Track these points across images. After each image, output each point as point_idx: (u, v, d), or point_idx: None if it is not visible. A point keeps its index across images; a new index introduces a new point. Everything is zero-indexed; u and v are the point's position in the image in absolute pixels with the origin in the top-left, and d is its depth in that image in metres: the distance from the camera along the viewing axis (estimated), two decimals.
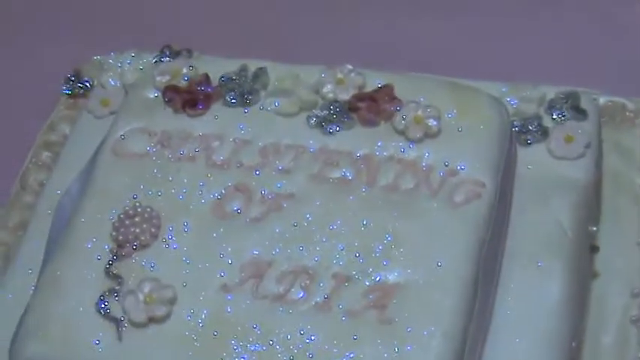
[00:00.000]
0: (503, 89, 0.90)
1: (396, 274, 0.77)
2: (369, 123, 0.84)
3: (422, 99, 0.84)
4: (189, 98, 0.87)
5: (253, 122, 0.86)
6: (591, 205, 0.87)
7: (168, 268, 0.79)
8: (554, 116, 0.89)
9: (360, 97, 0.85)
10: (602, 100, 0.97)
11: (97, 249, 0.81)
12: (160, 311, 0.77)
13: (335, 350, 0.74)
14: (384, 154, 0.83)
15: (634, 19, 1.18)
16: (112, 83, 0.99)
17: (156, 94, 0.89)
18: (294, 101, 0.86)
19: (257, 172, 0.83)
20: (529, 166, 0.87)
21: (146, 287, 0.77)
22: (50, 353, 0.77)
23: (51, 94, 1.05)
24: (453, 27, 1.20)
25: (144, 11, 1.27)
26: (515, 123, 0.88)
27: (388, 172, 0.82)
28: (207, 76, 0.88)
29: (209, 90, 0.88)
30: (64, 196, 0.89)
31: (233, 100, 0.87)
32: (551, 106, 0.89)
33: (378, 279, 0.77)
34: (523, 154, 0.87)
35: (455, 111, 0.84)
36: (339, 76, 0.87)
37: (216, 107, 0.87)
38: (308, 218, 0.80)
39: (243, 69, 0.88)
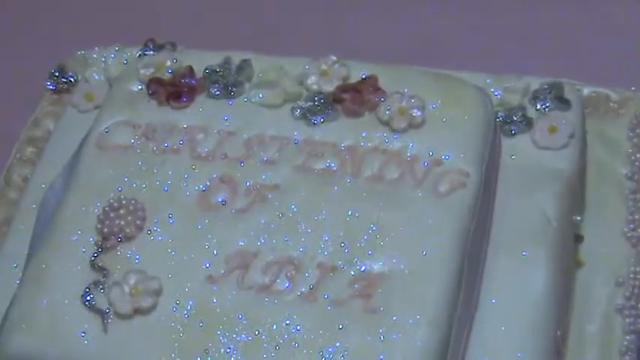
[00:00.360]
0: (488, 80, 0.91)
1: (381, 263, 0.77)
2: (354, 114, 0.85)
3: (406, 90, 0.85)
4: (174, 91, 0.88)
5: (238, 114, 0.86)
6: (575, 194, 0.88)
7: (154, 260, 0.79)
8: (538, 107, 0.90)
9: (345, 88, 0.86)
10: (586, 90, 0.98)
11: (82, 242, 0.81)
12: (146, 302, 0.77)
13: (321, 340, 0.74)
14: (369, 144, 0.83)
15: (617, 10, 1.19)
16: (96, 77, 1.00)
17: (140, 87, 0.89)
18: (278, 93, 0.86)
19: (242, 164, 0.83)
20: (513, 156, 0.87)
21: (131, 279, 0.78)
22: (36, 346, 0.77)
23: (35, 89, 1.05)
24: (437, 19, 1.20)
25: (128, 6, 1.27)
26: (499, 113, 0.89)
27: (373, 162, 0.82)
28: (191, 69, 0.89)
29: (193, 82, 0.88)
30: (48, 191, 0.89)
31: (217, 92, 0.87)
32: (535, 97, 0.90)
33: (363, 269, 0.77)
34: (507, 144, 0.88)
35: (439, 101, 0.84)
36: (324, 67, 0.87)
37: (201, 99, 0.87)
38: (293, 209, 0.80)
39: (227, 61, 0.89)
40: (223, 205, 0.82)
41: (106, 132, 0.87)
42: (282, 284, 0.77)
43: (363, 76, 0.86)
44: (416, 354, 0.73)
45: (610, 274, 0.89)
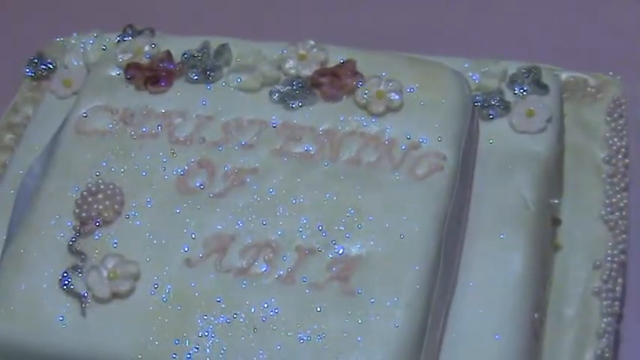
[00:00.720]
0: (465, 64, 0.91)
1: (358, 246, 0.78)
2: (332, 98, 0.85)
3: (384, 74, 0.85)
4: (152, 75, 0.88)
5: (216, 98, 0.86)
6: (553, 178, 0.89)
7: (132, 244, 0.79)
8: (516, 91, 0.90)
9: (323, 72, 0.86)
10: (564, 75, 0.99)
11: (60, 226, 0.81)
12: (124, 286, 0.77)
13: (299, 322, 0.75)
14: (347, 128, 0.83)
15: None
16: (75, 63, 1.00)
17: (118, 72, 0.89)
18: (256, 77, 0.86)
19: (220, 148, 0.84)
20: (491, 140, 0.88)
21: (109, 263, 0.78)
22: (14, 330, 0.77)
23: (14, 76, 1.05)
24: (415, 3, 1.20)
25: None
26: (477, 97, 0.89)
27: (351, 146, 0.82)
28: (169, 54, 0.89)
29: (171, 67, 0.88)
30: (26, 176, 0.89)
31: (195, 77, 0.87)
32: (512, 81, 0.91)
33: (341, 251, 0.77)
34: (485, 128, 0.88)
35: (417, 85, 0.84)
36: (302, 51, 0.87)
37: (179, 84, 0.88)
38: (271, 192, 0.81)
39: (205, 46, 0.89)
40: (201, 189, 0.82)
41: (84, 117, 0.87)
42: (260, 267, 0.78)
43: (341, 61, 0.86)
44: (393, 336, 0.74)
45: (588, 258, 0.90)
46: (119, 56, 0.90)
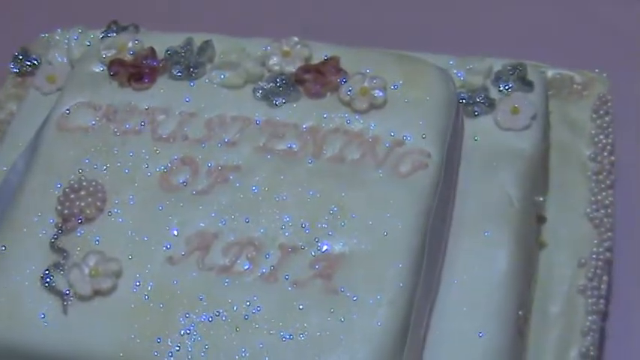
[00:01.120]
0: (451, 62, 0.91)
1: (341, 244, 0.77)
2: (315, 95, 0.85)
3: (368, 70, 0.85)
4: (135, 72, 0.87)
5: (199, 95, 0.86)
6: (538, 175, 0.88)
7: (114, 242, 0.79)
8: (501, 88, 0.90)
9: (306, 69, 0.86)
10: (550, 72, 0.98)
11: (42, 223, 0.81)
12: (106, 284, 0.77)
13: (281, 320, 0.74)
14: (330, 125, 0.83)
15: None
16: (59, 60, 0.99)
17: (101, 69, 0.89)
18: (240, 74, 0.86)
19: (203, 145, 0.83)
20: (476, 138, 0.88)
21: (91, 260, 0.78)
22: None
23: None
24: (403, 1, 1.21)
25: None
26: (462, 94, 0.89)
27: (334, 143, 0.82)
28: (152, 50, 0.89)
29: (155, 64, 0.88)
30: (9, 172, 0.89)
31: (179, 74, 0.87)
32: (497, 78, 0.90)
33: (324, 249, 0.77)
34: (470, 125, 0.88)
35: (401, 82, 0.84)
36: (285, 48, 0.87)
37: (162, 81, 0.87)
38: (254, 190, 0.80)
39: (189, 42, 0.89)
40: (184, 186, 0.81)
41: (67, 113, 0.87)
42: (243, 265, 0.77)
43: (325, 57, 0.86)
44: (376, 334, 0.74)
45: (573, 255, 0.89)
46: (103, 52, 0.90)
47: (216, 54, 0.88)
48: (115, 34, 0.94)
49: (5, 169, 0.91)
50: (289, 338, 0.74)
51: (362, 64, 0.85)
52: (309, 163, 0.81)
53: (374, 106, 0.83)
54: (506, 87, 0.90)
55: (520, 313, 0.82)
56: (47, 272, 0.78)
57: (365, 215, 0.78)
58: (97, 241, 0.79)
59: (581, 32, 1.16)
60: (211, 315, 0.75)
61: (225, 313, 0.75)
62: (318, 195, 0.80)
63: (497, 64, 0.91)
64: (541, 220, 0.90)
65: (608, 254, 0.89)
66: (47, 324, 0.76)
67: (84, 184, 0.81)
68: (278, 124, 0.84)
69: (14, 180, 0.87)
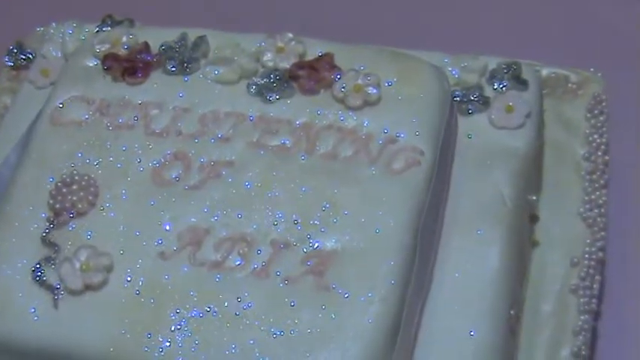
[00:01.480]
0: (445, 59, 0.90)
1: (333, 240, 0.77)
2: (309, 91, 0.84)
3: (362, 67, 0.84)
4: (129, 66, 0.87)
5: (193, 90, 0.86)
6: (531, 174, 0.88)
7: (106, 236, 0.79)
8: (496, 86, 0.89)
9: (301, 65, 0.85)
10: (545, 71, 0.98)
11: (33, 217, 0.81)
12: (97, 278, 0.77)
13: (272, 317, 0.74)
14: (324, 122, 0.83)
15: None
16: (54, 54, 0.99)
17: (95, 63, 0.89)
18: (234, 69, 0.86)
19: (196, 140, 0.83)
20: (470, 136, 0.87)
21: (82, 255, 0.77)
22: None
23: None
24: None
25: None
26: (456, 92, 0.89)
27: (327, 140, 0.82)
28: (147, 45, 0.88)
29: (149, 58, 0.88)
30: (1, 166, 0.88)
31: (173, 69, 0.87)
32: (492, 77, 0.90)
33: (316, 246, 0.77)
34: (464, 123, 0.88)
35: (395, 79, 0.84)
36: (280, 44, 0.87)
37: (156, 75, 0.87)
38: (247, 186, 0.80)
39: (183, 37, 0.88)
40: (177, 181, 0.81)
41: (60, 107, 0.86)
42: (235, 261, 0.77)
43: (320, 54, 0.86)
44: (367, 331, 0.73)
45: (565, 255, 0.89)
46: (97, 47, 0.89)
47: (211, 49, 0.88)
48: (109, 29, 0.94)
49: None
50: (280, 334, 0.74)
51: (356, 60, 0.85)
52: (302, 159, 0.81)
53: (367, 103, 0.83)
54: (501, 85, 0.89)
55: (512, 312, 0.82)
56: (38, 266, 0.78)
57: (357, 212, 0.78)
58: (89, 235, 0.79)
59: (576, 31, 1.16)
60: (202, 311, 0.75)
61: (216, 309, 0.75)
62: (311, 191, 0.79)
63: (492, 63, 0.90)
64: (534, 219, 0.89)
65: (600, 254, 0.89)
66: (38, 318, 0.76)
67: (76, 178, 0.81)
68: (271, 120, 0.83)
69: (6, 173, 0.86)
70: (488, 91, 0.89)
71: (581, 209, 0.91)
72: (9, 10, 1.24)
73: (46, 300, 0.77)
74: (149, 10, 1.08)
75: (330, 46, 0.86)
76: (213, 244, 0.78)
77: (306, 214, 0.78)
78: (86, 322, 0.76)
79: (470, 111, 0.88)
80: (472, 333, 0.79)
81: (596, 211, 0.91)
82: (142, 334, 0.74)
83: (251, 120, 0.84)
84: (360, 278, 0.75)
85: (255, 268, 0.77)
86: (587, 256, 0.89)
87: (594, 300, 0.87)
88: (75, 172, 0.82)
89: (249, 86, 0.85)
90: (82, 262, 0.77)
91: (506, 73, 0.90)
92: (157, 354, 0.74)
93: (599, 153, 0.94)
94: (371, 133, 0.82)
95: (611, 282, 0.97)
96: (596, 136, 0.94)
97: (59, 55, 0.98)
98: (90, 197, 0.80)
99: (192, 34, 0.89)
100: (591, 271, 0.88)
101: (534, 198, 0.89)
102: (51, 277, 0.77)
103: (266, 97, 0.84)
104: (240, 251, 0.77)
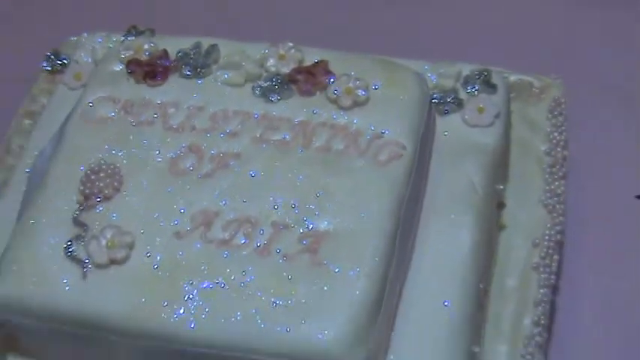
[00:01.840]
0: (425, 66, 0.90)
1: (326, 222, 0.77)
2: (306, 93, 0.84)
3: (352, 72, 0.84)
4: (150, 70, 0.87)
5: (205, 92, 0.86)
6: (499, 166, 0.88)
7: (128, 218, 0.79)
8: (469, 90, 0.89)
9: (299, 70, 0.85)
10: (512, 77, 0.97)
11: (66, 201, 0.81)
12: (120, 254, 0.77)
13: (272, 288, 0.74)
14: (319, 120, 0.83)
15: (544, 6, 1.20)
16: (85, 59, 0.99)
17: (121, 67, 0.89)
18: (241, 74, 0.86)
19: (208, 135, 0.83)
20: (446, 133, 0.87)
21: (108, 233, 0.78)
22: (25, 292, 0.77)
23: (33, 70, 1.04)
24: (381, 10, 1.21)
25: None
26: (434, 95, 0.88)
27: (322, 135, 0.82)
28: (165, 52, 0.88)
29: (167, 64, 0.88)
30: (38, 157, 0.89)
31: (188, 73, 0.87)
32: (466, 82, 0.90)
33: (311, 227, 0.77)
34: (441, 122, 0.88)
35: (381, 83, 0.84)
36: (281, 52, 0.87)
37: (173, 79, 0.87)
38: (251, 175, 0.80)
39: (197, 45, 0.88)
40: (191, 170, 0.81)
41: (90, 106, 0.86)
42: (240, 240, 0.77)
43: (316, 60, 0.86)
44: (354, 302, 0.74)
45: (528, 237, 0.89)
46: (122, 53, 0.89)
47: (221, 56, 0.88)
48: (133, 38, 0.94)
49: (36, 153, 0.91)
50: (279, 304, 0.74)
51: (348, 66, 0.85)
52: (300, 152, 0.81)
53: (357, 104, 0.83)
54: (473, 89, 0.89)
55: (481, 285, 0.82)
56: (70, 243, 0.78)
57: (347, 198, 0.78)
58: (114, 217, 0.79)
59: (539, 43, 1.16)
60: (212, 283, 0.75)
61: (223, 282, 0.75)
62: (307, 180, 0.79)
63: (466, 69, 0.90)
64: (501, 205, 0.89)
65: (559, 236, 0.89)
66: (69, 288, 0.76)
67: (103, 167, 0.81)
68: (273, 118, 0.83)
69: (42, 164, 0.87)
70: (462, 94, 0.89)
71: (543, 197, 0.91)
72: (47, 22, 1.24)
73: (76, 272, 0.77)
74: (168, 21, 1.08)
75: (325, 54, 0.86)
76: (221, 225, 0.78)
77: (303, 199, 0.78)
78: (111, 292, 0.76)
79: (446, 111, 0.88)
80: (446, 303, 0.79)
81: (555, 199, 0.91)
82: (159, 303, 0.75)
83: (255, 118, 0.84)
84: (349, 256, 0.75)
85: (257, 246, 0.77)
86: (547, 238, 0.88)
87: (553, 276, 0.87)
88: (102, 162, 0.82)
89: (254, 88, 0.85)
90: (107, 240, 0.77)
91: (478, 78, 0.90)
92: (172, 320, 0.74)
93: (559, 149, 0.94)
94: (360, 130, 0.82)
95: (568, 260, 0.97)
96: (556, 134, 0.94)
97: (90, 60, 0.98)
98: (115, 184, 0.81)
99: (205, 42, 0.89)
100: (550, 251, 0.88)
101: (502, 187, 0.89)
102: (80, 252, 0.78)
103: (269, 97, 0.85)
104: (245, 231, 0.78)
